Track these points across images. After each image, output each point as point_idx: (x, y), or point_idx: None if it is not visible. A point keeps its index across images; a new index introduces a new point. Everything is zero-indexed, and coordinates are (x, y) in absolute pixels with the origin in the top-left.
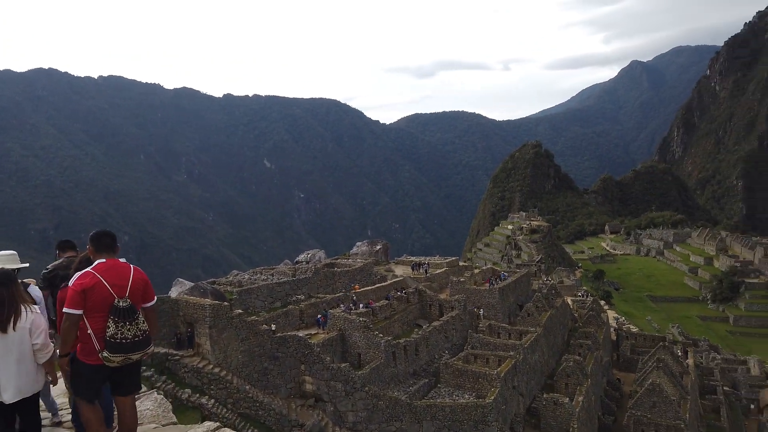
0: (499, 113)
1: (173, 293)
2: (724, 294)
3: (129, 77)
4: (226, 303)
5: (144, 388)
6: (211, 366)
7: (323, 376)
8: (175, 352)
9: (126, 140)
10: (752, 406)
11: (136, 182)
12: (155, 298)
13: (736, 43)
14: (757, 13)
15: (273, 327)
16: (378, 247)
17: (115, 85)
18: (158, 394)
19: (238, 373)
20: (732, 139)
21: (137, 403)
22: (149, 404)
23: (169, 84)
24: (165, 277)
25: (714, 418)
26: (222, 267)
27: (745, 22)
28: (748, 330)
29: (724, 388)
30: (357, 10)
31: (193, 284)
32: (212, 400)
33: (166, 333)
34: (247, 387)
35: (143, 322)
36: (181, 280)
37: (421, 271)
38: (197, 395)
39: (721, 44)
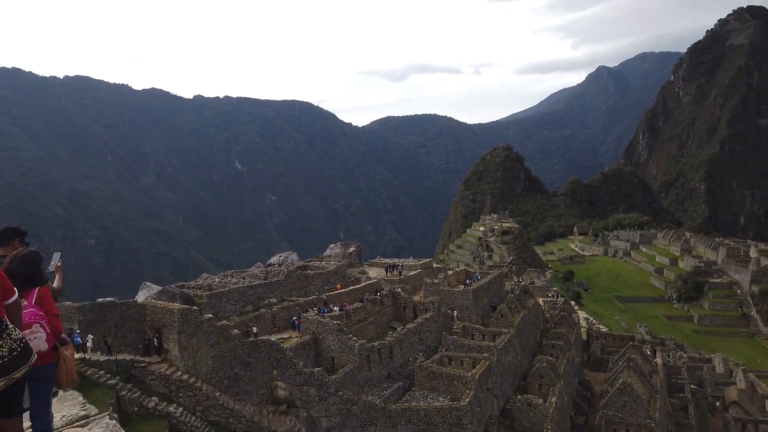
0: (470, 116)
1: (140, 297)
2: (688, 294)
3: (96, 77)
4: (195, 307)
5: (95, 411)
6: (179, 373)
7: (296, 381)
8: (141, 358)
9: (93, 141)
10: (718, 404)
11: (103, 184)
12: (15, 291)
13: (698, 49)
14: (718, 20)
15: (255, 330)
16: (351, 249)
17: (81, 86)
18: (110, 419)
19: (208, 380)
20: (695, 143)
21: (85, 429)
22: (99, 431)
23: (138, 85)
24: (132, 281)
25: (682, 416)
26: (191, 270)
27: (707, 30)
28: (712, 329)
29: (691, 386)
30: (329, 13)
31: (160, 288)
32: (180, 408)
33: (132, 339)
34: (218, 394)
35: (15, 330)
36: (148, 284)
37: (395, 273)
38: (165, 403)
39: (685, 51)
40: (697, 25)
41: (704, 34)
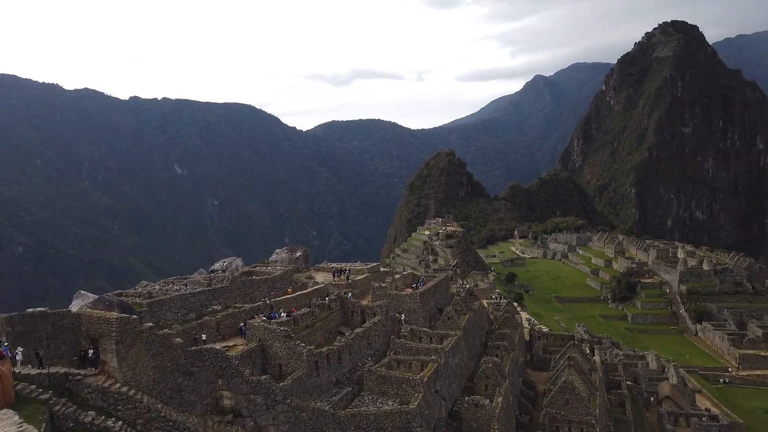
0: (413, 122)
1: (74, 307)
2: (622, 294)
3: (23, 76)
4: (134, 316)
5: (33, 431)
6: (118, 385)
7: (242, 389)
8: (76, 371)
9: (20, 143)
10: (652, 399)
11: (31, 189)
12: None
13: (627, 61)
14: (645, 33)
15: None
16: (298, 254)
17: (7, 84)
18: None
19: (149, 391)
20: (625, 149)
21: None
22: None
23: (70, 84)
24: (66, 290)
25: (620, 411)
26: (128, 278)
27: (635, 42)
28: (644, 327)
29: (627, 382)
30: (270, 16)
31: (97, 297)
32: (120, 422)
33: (66, 351)
34: (159, 405)
35: None
36: (83, 292)
37: (342, 277)
38: (102, 418)
39: (615, 62)
40: (626, 37)
41: (633, 47)
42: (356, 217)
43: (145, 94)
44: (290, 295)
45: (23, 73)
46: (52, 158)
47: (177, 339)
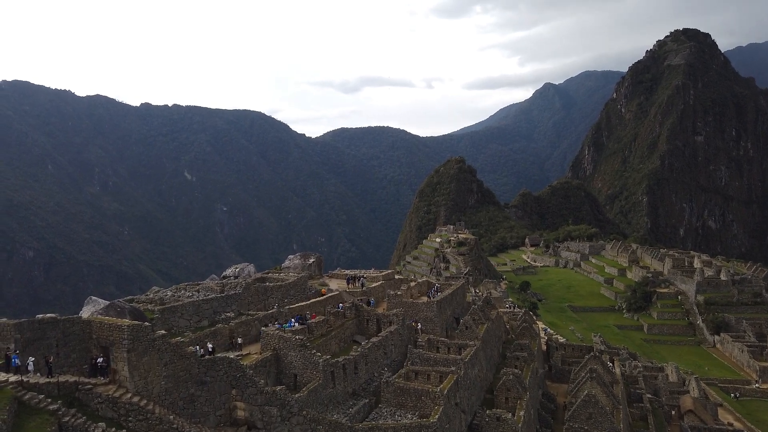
0: (422, 129)
1: (85, 313)
2: (638, 303)
3: (36, 83)
4: (146, 323)
5: None
6: (129, 395)
7: (257, 400)
8: (86, 380)
9: (33, 149)
10: (673, 412)
11: (43, 194)
12: None
13: (638, 69)
14: (656, 41)
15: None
16: (311, 261)
17: (20, 91)
18: None
19: (161, 402)
20: (637, 158)
21: None
22: None
23: (82, 91)
24: (76, 296)
25: (642, 426)
26: (138, 284)
27: (647, 50)
28: (661, 337)
29: (647, 395)
30: (280, 23)
31: (107, 303)
32: None
33: (76, 359)
34: (171, 417)
35: None
36: (94, 298)
37: (357, 284)
38: (113, 429)
39: (626, 70)
40: (636, 45)
41: (644, 54)
42: (365, 225)
43: (156, 100)
44: (304, 303)
45: (36, 80)
46: (63, 164)
47: (190, 347)
